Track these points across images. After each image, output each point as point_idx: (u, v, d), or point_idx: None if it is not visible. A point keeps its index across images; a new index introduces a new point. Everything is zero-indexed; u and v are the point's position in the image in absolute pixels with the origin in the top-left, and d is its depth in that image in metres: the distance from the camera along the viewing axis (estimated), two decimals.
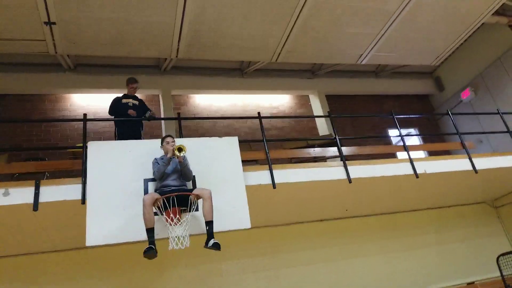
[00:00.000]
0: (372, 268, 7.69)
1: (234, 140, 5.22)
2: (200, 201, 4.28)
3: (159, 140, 4.79)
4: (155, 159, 4.51)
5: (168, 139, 4.59)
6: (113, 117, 5.85)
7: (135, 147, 4.79)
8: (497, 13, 7.96)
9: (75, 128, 8.20)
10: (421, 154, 9.45)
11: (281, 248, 7.45)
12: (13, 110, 8.04)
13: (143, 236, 4.25)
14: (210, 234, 4.05)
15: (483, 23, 7.90)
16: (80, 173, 4.80)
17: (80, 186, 4.64)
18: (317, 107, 9.95)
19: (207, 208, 4.09)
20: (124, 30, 6.23)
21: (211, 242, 3.98)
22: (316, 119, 9.89)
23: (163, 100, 8.80)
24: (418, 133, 9.87)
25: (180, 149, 4.25)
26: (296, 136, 8.27)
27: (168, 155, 4.31)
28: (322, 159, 6.73)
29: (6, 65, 7.99)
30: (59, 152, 7.57)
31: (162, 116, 8.54)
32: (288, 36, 6.95)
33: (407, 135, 6.67)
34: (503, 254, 7.42)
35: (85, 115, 5.25)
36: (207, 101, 9.44)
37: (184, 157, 4.40)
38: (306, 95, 10.35)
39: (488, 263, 8.04)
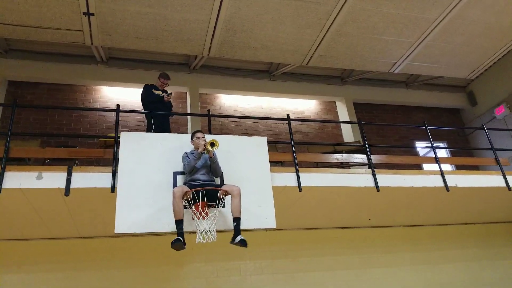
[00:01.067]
0: (391, 279, 7.54)
1: (263, 140, 5.19)
2: (227, 198, 4.27)
3: (190, 135, 4.81)
4: (186, 153, 4.52)
5: (199, 134, 4.60)
6: (147, 101, 5.89)
7: (166, 140, 4.82)
8: None
9: (104, 120, 8.35)
10: (449, 168, 9.23)
11: (301, 252, 7.38)
12: (44, 99, 8.24)
13: (170, 227, 4.26)
14: (237, 230, 4.02)
15: None
16: (110, 163, 4.91)
17: (110, 175, 4.69)
18: (343, 114, 9.83)
19: (235, 205, 4.06)
20: (159, 26, 6.31)
21: (238, 238, 3.96)
22: (342, 126, 9.77)
23: (190, 98, 8.86)
24: (447, 147, 9.59)
25: (212, 144, 4.24)
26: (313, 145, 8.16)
27: (200, 150, 4.31)
28: (348, 165, 6.62)
29: (40, 54, 8.22)
30: (88, 142, 7.72)
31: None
32: (321, 41, 6.91)
33: (438, 147, 6.49)
34: None
35: (118, 105, 5.31)
36: (233, 102, 9.46)
37: (214, 153, 4.39)
38: (332, 102, 10.25)
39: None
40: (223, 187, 4.21)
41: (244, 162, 4.90)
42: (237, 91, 9.33)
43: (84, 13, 5.82)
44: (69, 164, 4.72)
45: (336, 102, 10.18)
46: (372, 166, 5.88)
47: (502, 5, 6.56)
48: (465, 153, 10.45)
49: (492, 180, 6.42)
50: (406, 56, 7.51)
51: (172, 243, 3.91)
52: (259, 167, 4.96)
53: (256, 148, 5.08)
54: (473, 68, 8.14)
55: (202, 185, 4.21)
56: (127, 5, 5.86)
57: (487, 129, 7.05)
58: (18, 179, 4.48)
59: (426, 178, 6.11)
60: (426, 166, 8.86)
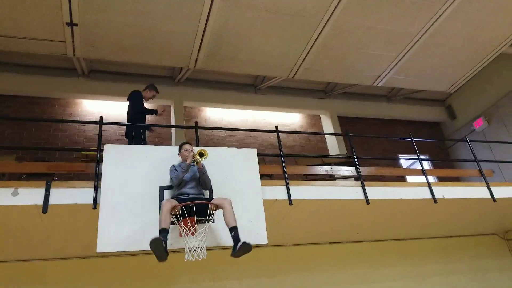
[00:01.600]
0: None
1: (253, 152, 5.07)
2: (217, 213, 4.10)
3: (177, 147, 4.65)
4: (173, 165, 4.36)
5: (187, 146, 4.45)
6: (141, 111, 5.77)
7: (152, 152, 4.64)
8: None
9: (84, 134, 8.07)
10: (431, 180, 9.27)
11: (289, 269, 7.21)
12: (22, 113, 7.91)
13: None
14: (236, 238, 3.81)
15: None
16: (91, 178, 4.67)
17: (92, 190, 4.45)
18: (328, 127, 9.85)
19: (229, 215, 3.90)
20: (146, 38, 6.18)
21: (240, 243, 3.71)
22: (327, 139, 9.78)
23: (175, 111, 8.70)
24: (432, 159, 9.68)
25: (201, 154, 4.10)
26: (301, 158, 8.08)
27: (188, 162, 4.15)
28: (336, 178, 6.56)
29: (18, 66, 7.94)
30: (67, 157, 7.42)
31: (173, 128, 8.44)
32: (307, 54, 6.91)
33: (424, 159, 6.52)
34: None
35: (101, 117, 5.11)
36: (218, 115, 9.35)
37: (203, 164, 4.24)
38: (317, 115, 10.28)
39: None
40: (213, 201, 4.05)
41: (233, 174, 4.76)
42: (222, 104, 9.23)
43: (67, 23, 5.63)
44: (47, 180, 4.46)
45: (321, 115, 10.22)
46: (361, 179, 5.83)
47: (481, 20, 6.74)
48: (448, 166, 10.60)
49: (477, 191, 6.48)
50: (389, 70, 7.60)
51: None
52: (249, 180, 4.82)
53: (245, 160, 4.95)
54: (453, 82, 8.29)
55: (192, 199, 4.04)
56: (112, 16, 5.71)
57: (470, 141, 7.14)
58: None
59: (414, 190, 6.10)
60: (410, 179, 8.91)
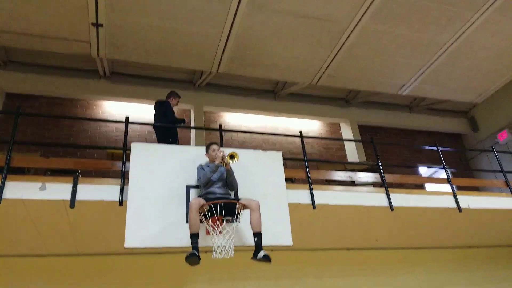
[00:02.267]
0: None
1: (278, 155, 5.01)
2: (244, 212, 4.05)
3: (203, 148, 4.63)
4: (200, 165, 4.33)
5: (214, 146, 4.42)
6: (173, 120, 5.81)
7: (180, 152, 4.62)
8: None
9: (105, 135, 8.11)
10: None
11: (306, 273, 7.12)
12: (45, 112, 7.99)
13: (183, 242, 4.03)
14: (258, 245, 3.80)
15: None
16: (116, 176, 4.68)
17: (118, 187, 4.46)
18: (348, 135, 9.73)
19: (255, 219, 3.85)
20: (170, 39, 6.21)
21: (261, 253, 3.73)
22: (346, 147, 9.67)
23: (195, 115, 8.70)
24: (456, 169, 9.48)
25: (232, 156, 4.06)
26: (323, 163, 7.98)
27: (216, 162, 4.12)
28: (357, 184, 6.46)
29: (40, 66, 8.02)
30: (90, 155, 7.48)
31: (192, 131, 8.45)
32: (331, 61, 6.88)
33: (448, 168, 6.39)
34: None
35: (127, 117, 5.13)
36: (237, 121, 9.32)
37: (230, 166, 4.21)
38: (336, 123, 10.18)
39: None
40: (241, 201, 4.00)
41: (259, 177, 4.71)
42: (241, 110, 9.21)
43: (93, 24, 5.70)
44: (74, 176, 4.47)
45: (340, 123, 10.11)
46: (386, 185, 5.73)
47: (510, 31, 6.62)
48: (468, 177, 10.38)
49: (502, 201, 6.32)
50: (415, 79, 7.51)
51: (186, 257, 3.68)
52: (274, 182, 4.77)
53: (271, 163, 4.90)
54: (479, 93, 8.18)
55: (218, 198, 4.00)
56: (138, 17, 5.76)
57: (496, 151, 6.98)
58: (20, 190, 4.22)
59: (438, 199, 5.99)
60: (429, 188, 8.74)
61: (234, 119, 9.34)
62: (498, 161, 6.83)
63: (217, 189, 4.14)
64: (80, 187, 4.39)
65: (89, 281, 5.92)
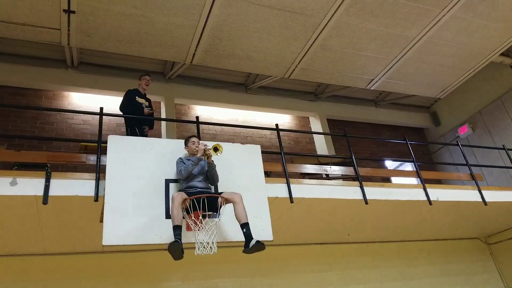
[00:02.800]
0: None
1: (257, 149, 5.02)
2: (225, 207, 4.03)
3: (182, 141, 4.55)
4: (180, 158, 4.25)
5: (194, 139, 4.36)
6: (124, 112, 5.56)
7: (157, 145, 4.52)
8: (502, 53, 8.25)
9: (72, 127, 7.79)
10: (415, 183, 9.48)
11: (280, 269, 7.24)
12: (8, 103, 7.55)
13: (163, 238, 3.95)
14: (248, 235, 3.77)
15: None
16: (88, 170, 4.52)
17: (93, 182, 4.29)
18: (317, 129, 9.91)
19: (240, 211, 3.85)
20: (144, 29, 6.03)
21: (253, 241, 3.69)
22: (315, 141, 9.84)
23: (166, 107, 8.54)
24: (423, 162, 9.81)
25: (216, 149, 4.02)
26: (295, 157, 8.07)
27: (198, 155, 4.06)
28: (330, 178, 6.60)
29: (3, 54, 7.59)
30: (56, 147, 7.16)
31: (163, 123, 8.27)
32: (305, 54, 6.93)
33: (420, 162, 6.62)
34: None
35: (101, 108, 4.95)
36: (208, 114, 9.24)
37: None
38: (306, 117, 10.33)
39: None
40: (223, 195, 3.97)
41: (238, 170, 4.69)
42: (213, 103, 9.14)
43: (64, 10, 5.42)
44: (47, 170, 4.26)
45: (310, 117, 10.27)
46: (360, 179, 5.88)
47: (474, 28, 6.95)
48: (431, 170, 10.84)
49: (468, 194, 6.65)
50: (383, 73, 7.72)
51: (169, 245, 3.56)
52: (254, 176, 4.77)
53: (250, 156, 4.90)
54: (443, 88, 8.51)
55: (199, 192, 3.95)
56: (112, 4, 5.53)
57: (462, 145, 7.35)
58: None
59: (409, 192, 6.20)
60: (395, 181, 9.06)
61: (205, 111, 9.23)
62: (463, 154, 7.18)
63: (198, 183, 4.09)
64: (53, 182, 4.20)
65: (54, 281, 5.71)
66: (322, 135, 9.60)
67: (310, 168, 5.91)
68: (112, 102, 7.93)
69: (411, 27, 6.67)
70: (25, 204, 4.23)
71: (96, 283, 5.90)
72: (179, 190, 4.07)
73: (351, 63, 7.36)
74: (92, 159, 4.59)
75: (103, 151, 4.55)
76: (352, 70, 7.55)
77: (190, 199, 3.79)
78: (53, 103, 7.96)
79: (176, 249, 3.56)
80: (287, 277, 7.19)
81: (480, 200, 6.59)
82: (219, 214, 3.92)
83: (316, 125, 10.06)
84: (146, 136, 5.49)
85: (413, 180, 9.22)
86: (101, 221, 4.96)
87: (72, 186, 4.25)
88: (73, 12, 5.50)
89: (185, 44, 6.39)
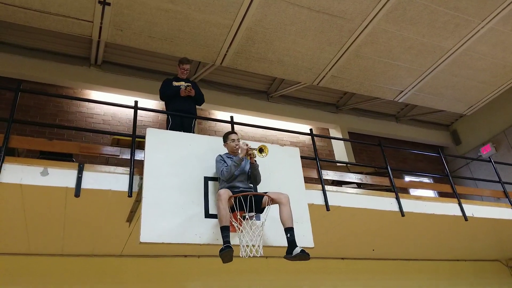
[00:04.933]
0: None
1: (296, 151, 4.79)
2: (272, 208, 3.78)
3: (221, 138, 4.33)
4: (220, 156, 4.01)
5: (233, 136, 4.13)
6: (162, 96, 5.32)
7: (197, 141, 4.29)
8: None
9: (92, 126, 7.56)
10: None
11: (301, 282, 6.96)
12: (26, 99, 7.33)
13: (202, 239, 3.70)
14: (292, 241, 3.51)
15: None
16: (119, 165, 4.28)
17: (127, 177, 4.05)
18: (338, 142, 9.68)
19: (286, 213, 3.59)
20: (178, 26, 5.88)
21: (298, 250, 3.42)
22: (335, 152, 9.61)
23: None
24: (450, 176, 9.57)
25: (261, 150, 3.79)
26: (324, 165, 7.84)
27: (241, 155, 3.81)
28: (364, 187, 6.35)
29: (27, 49, 7.43)
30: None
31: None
32: (337, 60, 6.78)
33: (452, 176, 6.40)
34: None
35: (136, 102, 4.74)
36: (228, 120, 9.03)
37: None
38: (326, 129, 10.12)
39: None
40: (270, 194, 3.72)
41: (277, 173, 4.45)
42: (233, 109, 8.93)
43: (99, 2, 5.27)
44: (80, 162, 4.03)
45: (330, 129, 10.06)
46: (396, 190, 5.63)
47: (510, 43, 6.80)
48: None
49: (503, 212, 6.39)
50: (413, 86, 7.56)
51: (220, 250, 3.32)
52: (293, 179, 4.53)
53: (289, 159, 4.66)
54: (471, 104, 8.36)
55: (242, 191, 3.71)
56: None
57: (495, 162, 7.13)
58: (19, 174, 3.72)
59: (445, 206, 5.95)
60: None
61: (224, 118, 9.03)
62: (496, 171, 6.96)
63: (239, 183, 3.85)
64: (85, 174, 3.95)
65: (72, 285, 5.42)
66: (343, 147, 9.37)
67: (345, 176, 5.65)
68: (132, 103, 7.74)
69: (448, 38, 6.53)
70: (54, 196, 3.97)
71: (114, 287, 5.58)
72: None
73: (383, 73, 7.20)
74: (126, 153, 4.34)
75: (137, 146, 4.35)
76: (383, 80, 7.39)
77: (235, 197, 3.54)
78: (73, 102, 7.75)
79: (227, 255, 3.34)
80: None
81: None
82: (266, 215, 3.66)
83: (336, 136, 9.84)
84: (193, 129, 5.20)
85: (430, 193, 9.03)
86: (128, 220, 4.76)
87: (105, 179, 4.00)
88: (109, 4, 5.36)
89: (217, 44, 6.24)
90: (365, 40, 6.42)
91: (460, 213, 5.93)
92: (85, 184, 3.88)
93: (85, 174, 3.94)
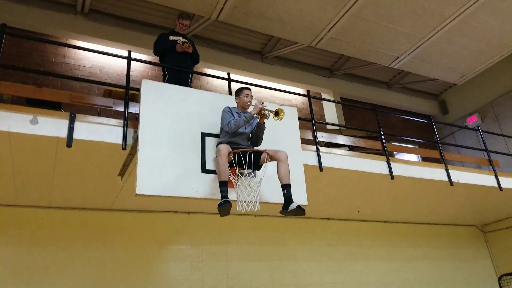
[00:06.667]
0: (370, 273, 7.63)
1: (294, 111, 4.72)
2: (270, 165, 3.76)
3: (222, 95, 4.23)
4: (228, 108, 3.91)
5: (247, 91, 4.03)
6: (156, 50, 5.08)
7: (196, 96, 4.16)
8: None
9: (78, 82, 7.27)
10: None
11: (287, 240, 7.22)
12: (8, 46, 6.93)
13: (199, 192, 3.68)
14: (288, 198, 3.55)
15: None
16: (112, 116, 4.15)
17: (121, 129, 3.94)
18: (329, 106, 9.65)
19: (284, 170, 3.59)
20: None
21: (294, 205, 3.47)
22: (326, 114, 9.61)
23: None
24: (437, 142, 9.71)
25: (277, 113, 3.70)
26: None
27: (253, 112, 3.71)
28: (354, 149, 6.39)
29: None
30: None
31: None
32: (337, 21, 6.60)
33: (443, 142, 6.48)
34: (506, 275, 7.51)
35: (129, 51, 4.53)
36: (219, 80, 8.84)
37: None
38: (318, 93, 10.04)
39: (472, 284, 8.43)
40: (269, 151, 3.68)
41: (274, 131, 4.37)
42: (227, 68, 8.71)
43: None
44: (71, 111, 3.87)
45: (322, 94, 9.98)
46: (387, 154, 5.68)
47: (509, 13, 6.72)
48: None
49: (487, 179, 6.57)
50: (410, 52, 7.48)
51: (219, 205, 3.32)
52: (290, 138, 4.51)
53: (286, 119, 4.58)
54: (463, 74, 8.36)
55: (242, 148, 3.66)
56: None
57: (483, 131, 7.25)
58: (7, 121, 3.56)
59: (433, 171, 6.06)
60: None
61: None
62: (482, 139, 7.08)
63: (241, 140, 3.81)
64: (77, 124, 3.81)
65: (63, 237, 5.39)
66: (335, 112, 9.35)
67: (338, 139, 5.65)
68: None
69: (450, 4, 6.40)
70: (44, 146, 3.85)
71: (103, 240, 5.59)
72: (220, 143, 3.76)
73: (382, 37, 7.07)
74: (119, 104, 4.20)
75: (131, 98, 4.21)
76: (381, 45, 7.27)
77: (235, 153, 3.49)
78: (58, 51, 7.41)
79: (226, 209, 3.35)
80: (293, 249, 7.14)
81: (496, 185, 6.52)
82: (263, 172, 3.64)
83: (332, 99, 9.79)
84: (190, 85, 5.03)
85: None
86: (120, 174, 4.68)
87: (98, 131, 3.87)
88: None
89: None
90: (366, 1, 6.24)
91: (446, 178, 6.05)
92: (77, 135, 3.75)
93: (77, 124, 3.80)
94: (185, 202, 5.75)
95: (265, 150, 3.70)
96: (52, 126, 3.71)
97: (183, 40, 4.99)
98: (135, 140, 3.89)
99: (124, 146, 3.85)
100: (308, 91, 5.72)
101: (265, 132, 4.25)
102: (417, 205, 7.41)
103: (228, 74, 5.31)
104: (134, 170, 4.28)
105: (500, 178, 6.67)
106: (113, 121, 3.98)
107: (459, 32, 7.07)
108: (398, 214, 7.97)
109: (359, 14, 6.45)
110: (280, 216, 7.09)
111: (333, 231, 7.68)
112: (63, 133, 3.72)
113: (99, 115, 4.42)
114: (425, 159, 8.93)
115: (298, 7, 6.19)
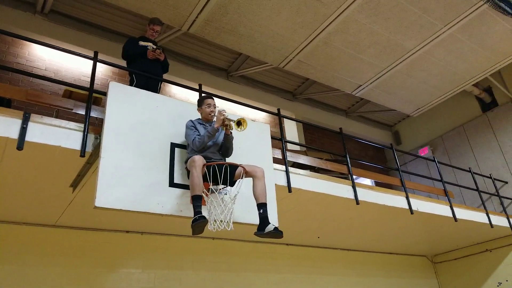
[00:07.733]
0: None
1: (266, 128, 4.60)
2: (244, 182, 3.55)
3: (195, 105, 4.00)
4: (191, 121, 3.70)
5: (209, 101, 3.84)
6: (125, 55, 4.83)
7: (166, 104, 3.91)
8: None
9: (30, 82, 6.71)
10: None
11: (245, 266, 6.94)
12: None
13: (165, 208, 3.39)
14: (265, 218, 3.32)
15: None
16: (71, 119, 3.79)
17: (80, 134, 3.58)
18: (291, 128, 9.69)
19: (261, 188, 3.39)
20: None
21: (271, 227, 3.24)
22: (287, 135, 9.59)
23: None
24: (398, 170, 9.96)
25: (239, 123, 3.53)
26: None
27: (216, 125, 3.52)
28: (322, 172, 6.35)
29: None
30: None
31: None
32: (307, 45, 6.68)
33: (405, 171, 6.60)
34: None
35: (96, 52, 4.20)
36: (184, 94, 8.59)
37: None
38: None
39: None
40: (245, 166, 3.48)
41: (246, 147, 4.22)
42: (191, 83, 8.46)
43: None
44: (25, 111, 3.46)
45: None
46: (353, 178, 5.68)
47: (465, 51, 7.17)
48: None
49: (443, 209, 6.76)
50: (371, 81, 7.71)
51: (193, 221, 3.03)
52: (262, 155, 4.35)
53: (258, 135, 4.45)
54: (418, 106, 8.74)
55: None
56: None
57: (439, 162, 7.54)
58: None
59: (394, 198, 6.13)
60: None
61: (181, 91, 8.56)
62: (438, 169, 7.35)
63: (211, 154, 3.57)
64: (30, 125, 3.41)
65: (5, 251, 4.80)
66: (296, 135, 9.41)
67: (306, 160, 5.58)
68: (79, 60, 7.01)
69: (412, 38, 6.69)
70: None
71: (47, 260, 5.02)
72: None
73: (346, 65, 7.23)
74: (79, 108, 3.83)
75: (94, 102, 3.88)
76: (345, 72, 7.43)
77: (210, 166, 3.25)
78: (10, 50, 6.83)
79: (201, 226, 3.07)
80: (251, 275, 6.85)
81: (451, 215, 6.73)
82: (238, 188, 3.42)
83: (291, 124, 9.82)
84: (159, 91, 4.80)
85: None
86: (72, 185, 4.25)
87: (54, 134, 3.49)
88: None
89: (187, 7, 5.80)
90: (336, 28, 6.37)
91: (407, 206, 6.15)
92: (30, 137, 3.35)
93: (31, 125, 3.40)
94: (138, 221, 5.36)
95: (241, 164, 3.50)
96: (1, 124, 3.29)
97: (155, 46, 4.76)
98: (96, 147, 3.55)
99: (83, 153, 3.49)
100: (278, 109, 5.65)
101: (236, 148, 4.08)
102: (374, 233, 7.48)
103: (200, 85, 5.10)
104: (90, 181, 3.94)
105: (454, 208, 6.90)
106: (72, 124, 3.61)
107: (418, 66, 7.41)
108: (356, 242, 7.99)
109: (328, 40, 6.57)
110: (239, 240, 6.94)
111: (293, 257, 7.51)
112: (14, 134, 3.30)
113: (56, 117, 4.00)
114: (378, 184, 9.14)
115: (270, 27, 6.19)
